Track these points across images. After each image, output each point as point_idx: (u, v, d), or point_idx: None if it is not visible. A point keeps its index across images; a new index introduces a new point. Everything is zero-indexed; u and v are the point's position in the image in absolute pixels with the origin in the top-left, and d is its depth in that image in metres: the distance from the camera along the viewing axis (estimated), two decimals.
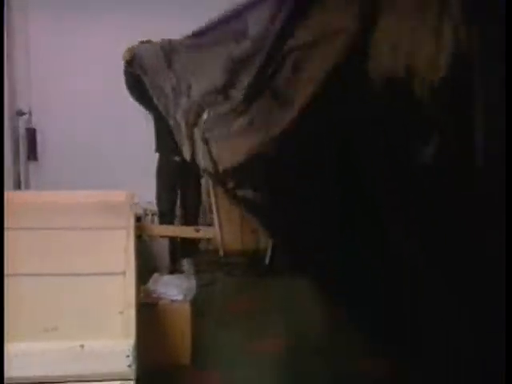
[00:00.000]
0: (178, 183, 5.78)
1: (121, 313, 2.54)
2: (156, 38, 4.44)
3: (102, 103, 6.32)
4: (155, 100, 4.23)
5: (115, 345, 2.16)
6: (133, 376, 2.15)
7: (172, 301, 3.62)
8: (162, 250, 5.50)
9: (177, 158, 5.11)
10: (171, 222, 5.74)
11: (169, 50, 3.94)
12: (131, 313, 2.46)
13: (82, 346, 2.10)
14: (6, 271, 2.80)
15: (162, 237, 5.42)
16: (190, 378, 3.67)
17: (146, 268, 3.98)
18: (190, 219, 5.80)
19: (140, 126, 5.96)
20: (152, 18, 6.00)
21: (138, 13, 6.14)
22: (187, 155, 3.60)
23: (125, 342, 2.17)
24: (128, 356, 2.13)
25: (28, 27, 6.35)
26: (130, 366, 2.14)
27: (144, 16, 6.06)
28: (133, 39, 4.81)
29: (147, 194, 5.70)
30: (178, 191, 5.82)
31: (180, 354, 3.62)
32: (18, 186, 6.45)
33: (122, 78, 5.09)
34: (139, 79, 4.57)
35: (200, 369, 3.75)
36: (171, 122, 3.93)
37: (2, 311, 1.61)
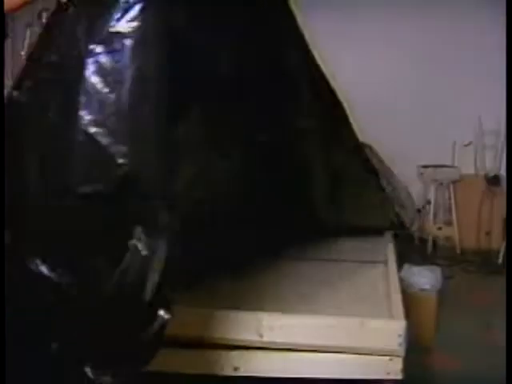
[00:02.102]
0: None
1: (386, 296, 2.61)
2: None
3: None
4: None
5: (389, 324, 2.24)
6: (402, 354, 2.21)
7: (421, 289, 3.64)
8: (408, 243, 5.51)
9: None
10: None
11: None
12: (398, 297, 2.52)
13: (362, 323, 2.19)
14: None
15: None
16: (434, 359, 3.66)
17: None
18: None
19: None
20: None
21: None
22: None
23: (398, 322, 2.24)
24: (400, 335, 2.19)
25: None
26: (400, 344, 2.20)
27: None
28: None
29: None
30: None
31: (425, 338, 3.62)
32: None
33: None
34: None
35: (442, 352, 3.73)
36: None
37: (3, 301, 1.69)
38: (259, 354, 2.23)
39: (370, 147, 5.61)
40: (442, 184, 6.20)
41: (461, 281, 5.36)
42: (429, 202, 6.12)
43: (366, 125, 6.31)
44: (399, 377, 2.22)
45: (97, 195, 1.69)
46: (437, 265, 4.85)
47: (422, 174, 6.17)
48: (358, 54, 6.46)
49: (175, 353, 2.26)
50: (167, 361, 2.23)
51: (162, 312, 1.69)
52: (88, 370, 1.67)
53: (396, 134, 6.23)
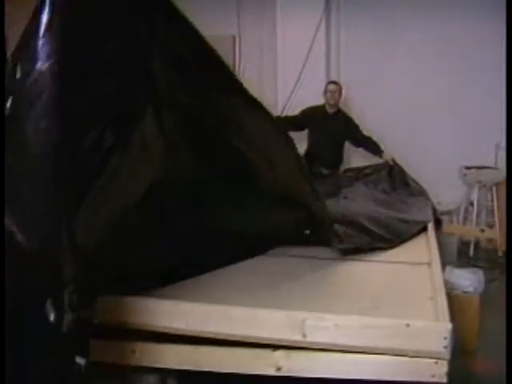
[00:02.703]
0: None
1: (430, 298, 2.54)
2: None
3: None
4: None
5: (434, 326, 2.17)
6: (447, 357, 2.14)
7: (463, 292, 3.55)
8: (450, 245, 5.42)
9: None
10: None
11: None
12: (443, 299, 2.45)
13: (407, 325, 2.13)
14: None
15: (449, 233, 5.34)
16: (477, 363, 3.58)
17: None
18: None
19: None
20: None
21: None
22: None
23: (443, 324, 2.16)
24: (445, 338, 2.12)
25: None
26: (446, 347, 2.12)
27: None
28: None
29: None
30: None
31: (468, 341, 3.53)
32: None
33: None
34: None
35: (485, 355, 3.64)
36: None
37: (3, 305, 1.75)
38: (302, 354, 2.18)
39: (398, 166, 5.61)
40: (484, 186, 6.07)
41: (503, 283, 5.24)
42: (471, 204, 6.00)
43: (411, 125, 6.30)
44: (444, 380, 2.14)
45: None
46: (479, 267, 4.76)
47: (465, 175, 6.06)
48: (404, 62, 6.42)
49: (216, 351, 2.23)
50: (208, 358, 2.23)
51: (78, 359, 1.90)
52: None
53: (439, 136, 6.16)
